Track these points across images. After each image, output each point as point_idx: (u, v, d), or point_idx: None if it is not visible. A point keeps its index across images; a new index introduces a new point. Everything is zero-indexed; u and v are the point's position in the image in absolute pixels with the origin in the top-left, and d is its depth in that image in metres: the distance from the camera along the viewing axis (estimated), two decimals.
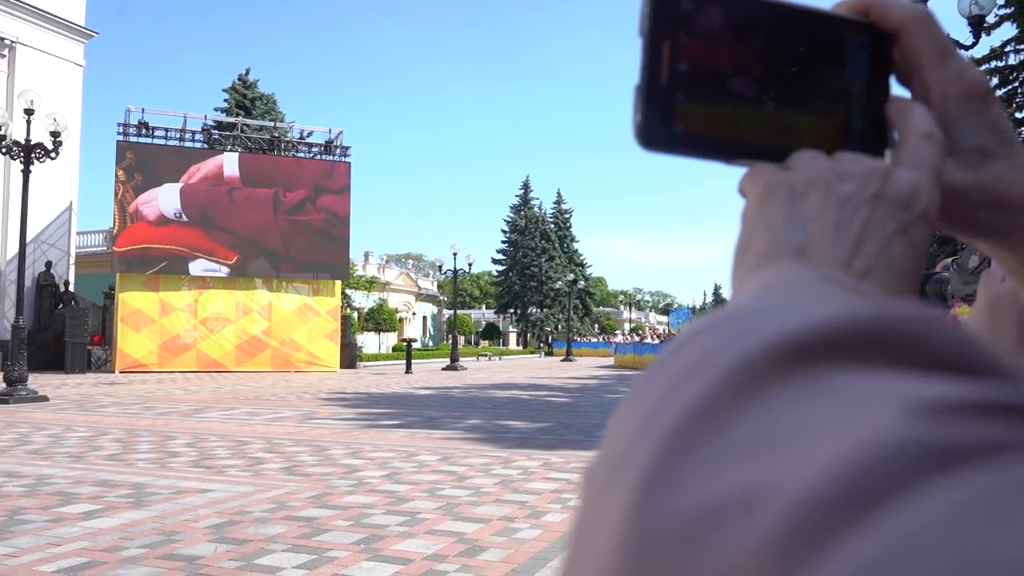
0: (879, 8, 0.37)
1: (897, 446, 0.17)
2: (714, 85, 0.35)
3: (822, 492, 0.17)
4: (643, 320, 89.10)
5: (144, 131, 27.26)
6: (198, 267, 27.13)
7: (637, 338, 44.49)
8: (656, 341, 37.80)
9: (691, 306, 66.57)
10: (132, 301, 26.24)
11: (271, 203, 28.03)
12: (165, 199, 26.87)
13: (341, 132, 30.16)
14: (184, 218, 26.98)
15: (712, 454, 0.20)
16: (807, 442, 0.19)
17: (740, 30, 0.36)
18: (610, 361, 39.02)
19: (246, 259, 27.63)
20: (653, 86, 0.35)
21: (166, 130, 27.77)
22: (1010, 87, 22.74)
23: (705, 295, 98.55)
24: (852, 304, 0.25)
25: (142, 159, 26.80)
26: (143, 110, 27.36)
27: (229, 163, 27.93)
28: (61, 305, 26.49)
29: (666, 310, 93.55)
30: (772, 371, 0.21)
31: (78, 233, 31.53)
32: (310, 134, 33.56)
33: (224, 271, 27.44)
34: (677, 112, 0.35)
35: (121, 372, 25.08)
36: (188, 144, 28.09)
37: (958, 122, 0.37)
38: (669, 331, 46.97)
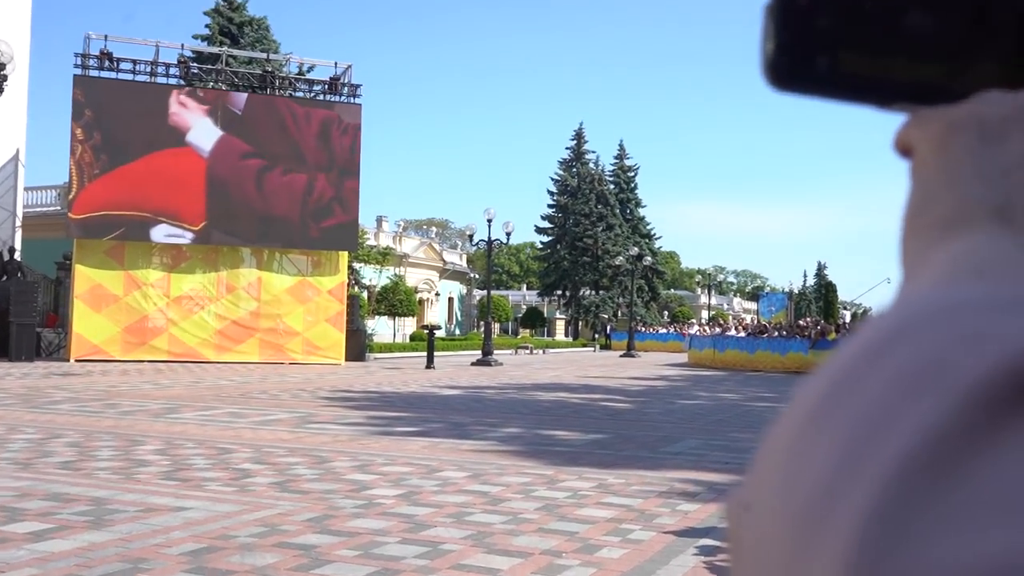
0: None
1: None
2: (869, 4, 0.33)
3: None
4: (725, 307, 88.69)
5: (108, 64, 27.67)
6: (160, 233, 27.51)
7: (718, 329, 44.21)
8: (742, 333, 37.21)
9: (787, 290, 65.82)
10: (91, 274, 26.77)
11: (254, 174, 28.53)
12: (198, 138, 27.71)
13: (349, 67, 30.35)
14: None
15: (952, 505, 0.19)
16: None
17: None
18: (683, 357, 38.89)
19: (212, 226, 28.02)
20: (790, 7, 0.33)
21: (134, 62, 28.19)
22: None
23: (806, 276, 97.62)
24: None
25: (105, 98, 27.15)
26: (106, 37, 27.77)
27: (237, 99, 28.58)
28: (5, 277, 27.09)
29: (755, 295, 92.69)
30: (1019, 400, 0.20)
31: (26, 189, 32.17)
32: (311, 69, 33.78)
33: (188, 237, 27.83)
34: (820, 40, 0.33)
35: (77, 361, 25.67)
36: (161, 80, 28.48)
37: None
38: (759, 321, 46.43)
